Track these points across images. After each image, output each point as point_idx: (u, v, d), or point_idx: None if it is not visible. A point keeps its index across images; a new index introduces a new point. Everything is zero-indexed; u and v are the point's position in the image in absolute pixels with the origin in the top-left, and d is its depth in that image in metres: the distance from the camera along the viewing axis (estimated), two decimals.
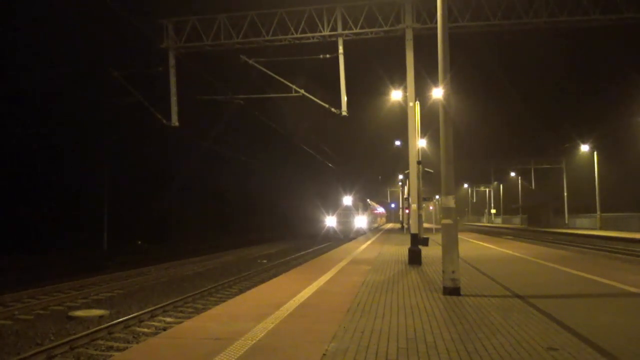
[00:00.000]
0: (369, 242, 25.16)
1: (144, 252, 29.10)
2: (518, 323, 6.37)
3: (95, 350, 8.47)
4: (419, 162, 17.48)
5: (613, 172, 50.62)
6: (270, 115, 27.53)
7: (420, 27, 15.81)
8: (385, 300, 8.18)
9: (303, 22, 16.62)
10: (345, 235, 38.76)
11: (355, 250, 19.41)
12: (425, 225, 33.98)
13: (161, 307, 11.58)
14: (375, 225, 59.18)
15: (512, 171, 73.00)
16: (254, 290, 9.83)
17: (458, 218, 10.11)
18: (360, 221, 42.25)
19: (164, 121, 17.90)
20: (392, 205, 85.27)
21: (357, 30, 16.51)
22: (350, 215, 41.69)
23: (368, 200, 52.48)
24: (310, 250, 28.91)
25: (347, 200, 42.54)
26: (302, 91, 17.09)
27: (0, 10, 30.70)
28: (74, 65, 33.88)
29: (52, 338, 9.19)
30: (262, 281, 14.76)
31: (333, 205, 42.36)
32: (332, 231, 40.44)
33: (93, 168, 33.11)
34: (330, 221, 41.26)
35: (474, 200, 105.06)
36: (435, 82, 16.17)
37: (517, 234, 44.99)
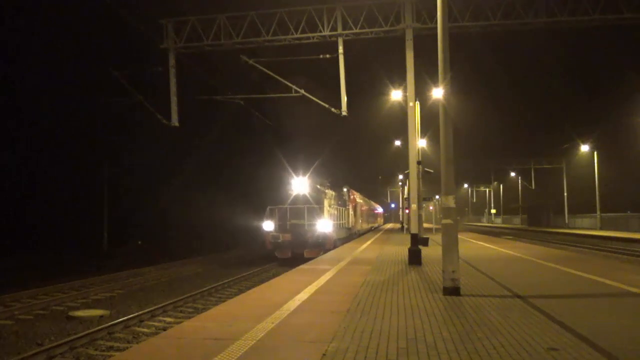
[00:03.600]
0: (369, 242, 25.17)
1: (144, 252, 29.11)
2: (518, 323, 6.37)
3: (95, 350, 8.47)
4: (419, 162, 17.48)
5: (613, 172, 50.67)
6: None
7: (420, 27, 15.82)
8: (385, 300, 8.18)
9: (303, 22, 16.63)
10: (295, 252, 21.32)
11: (355, 251, 19.42)
12: (425, 225, 33.86)
13: (161, 307, 11.59)
14: (367, 227, 44.01)
15: (512, 171, 73.04)
16: (254, 290, 9.83)
17: (458, 218, 10.11)
18: (325, 225, 21.90)
19: (164, 121, 17.93)
20: (392, 205, 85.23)
21: (357, 30, 16.51)
22: (303, 213, 21.83)
23: (348, 190, 30.00)
24: None
25: (301, 185, 22.42)
26: (302, 91, 17.11)
27: (0, 9, 30.74)
28: (74, 65, 33.90)
29: (52, 338, 9.20)
30: (262, 281, 14.76)
31: (277, 197, 22.66)
32: (274, 244, 21.72)
33: (93, 168, 33.14)
34: (268, 226, 21.87)
35: (474, 200, 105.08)
36: (435, 82, 16.18)
37: (517, 234, 45.02)
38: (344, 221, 27.20)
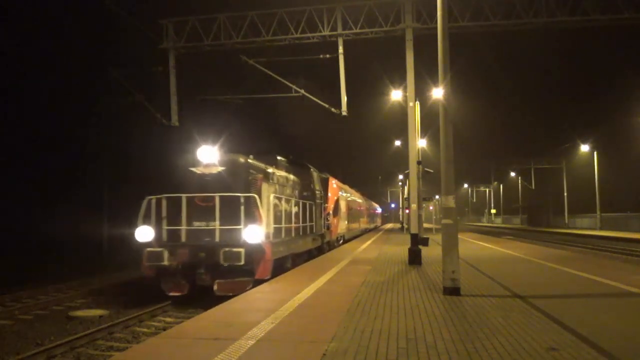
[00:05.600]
0: (369, 242, 25.16)
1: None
2: (518, 323, 6.37)
3: (95, 350, 8.46)
4: (419, 162, 17.47)
5: (613, 172, 50.70)
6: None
7: (420, 27, 15.83)
8: (385, 300, 8.18)
9: (303, 22, 16.65)
10: (199, 284, 11.04)
11: (355, 251, 19.40)
12: (425, 225, 33.76)
13: (161, 307, 11.57)
14: (360, 229, 36.08)
15: (512, 171, 73.17)
16: (253, 290, 9.83)
17: (458, 218, 10.11)
18: (257, 233, 10.66)
19: (164, 121, 17.93)
20: (392, 205, 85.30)
21: (357, 30, 16.52)
22: (213, 210, 10.83)
23: (327, 178, 22.37)
24: None
25: (213, 157, 11.24)
26: (302, 91, 17.12)
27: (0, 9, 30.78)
28: (74, 65, 33.90)
29: (52, 338, 9.18)
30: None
31: (164, 178, 11.71)
32: (156, 268, 11.09)
33: (93, 168, 33.14)
34: (145, 234, 10.91)
35: (474, 200, 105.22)
36: (435, 82, 16.18)
37: (517, 234, 45.02)
38: (310, 224, 16.85)
